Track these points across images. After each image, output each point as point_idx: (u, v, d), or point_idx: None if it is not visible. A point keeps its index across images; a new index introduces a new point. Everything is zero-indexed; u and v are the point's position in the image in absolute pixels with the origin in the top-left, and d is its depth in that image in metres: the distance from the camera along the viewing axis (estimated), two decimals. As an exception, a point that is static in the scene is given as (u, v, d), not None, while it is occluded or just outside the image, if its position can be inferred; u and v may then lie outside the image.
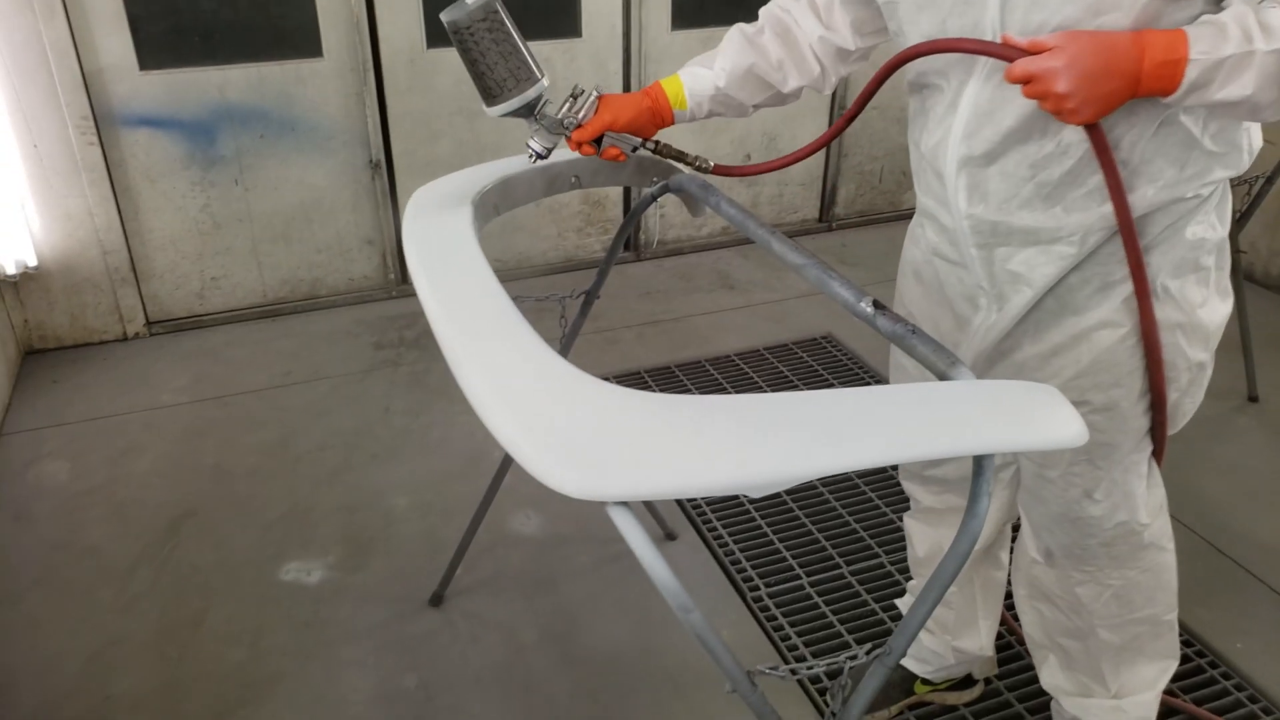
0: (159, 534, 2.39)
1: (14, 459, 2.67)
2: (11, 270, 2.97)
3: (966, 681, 1.94)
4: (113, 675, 2.00)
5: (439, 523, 2.41)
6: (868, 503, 2.49)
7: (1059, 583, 1.58)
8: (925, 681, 1.92)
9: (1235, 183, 2.50)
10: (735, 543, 2.35)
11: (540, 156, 1.53)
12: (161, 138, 3.11)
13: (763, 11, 1.52)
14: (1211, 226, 1.31)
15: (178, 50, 3.03)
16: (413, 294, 1.33)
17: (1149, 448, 1.45)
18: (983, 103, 1.25)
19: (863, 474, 2.56)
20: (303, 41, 3.15)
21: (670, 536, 2.37)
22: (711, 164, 1.55)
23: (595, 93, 1.49)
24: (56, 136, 2.93)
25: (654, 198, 1.85)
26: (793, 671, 1.15)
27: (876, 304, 1.28)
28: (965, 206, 1.33)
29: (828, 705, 1.28)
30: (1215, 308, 1.36)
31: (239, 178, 3.24)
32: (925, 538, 1.79)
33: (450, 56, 3.32)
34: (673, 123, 1.53)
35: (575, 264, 3.77)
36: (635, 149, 1.52)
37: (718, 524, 2.41)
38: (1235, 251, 2.50)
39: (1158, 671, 1.64)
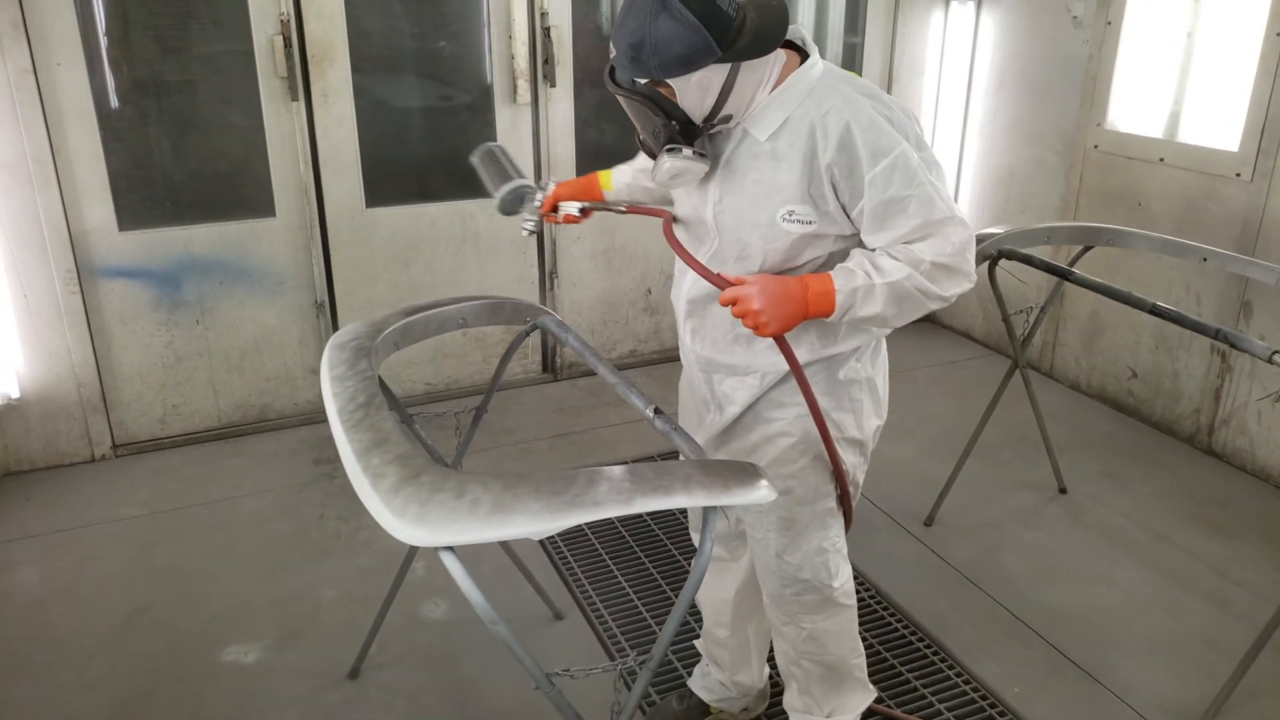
0: (115, 626, 2.77)
1: (-9, 566, 3.06)
2: (-4, 401, 3.42)
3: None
4: (73, 742, 2.37)
5: (360, 611, 2.80)
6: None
7: (778, 622, 2.06)
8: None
9: (1015, 311, 3.08)
10: (611, 616, 2.78)
11: (533, 232, 2.19)
12: (134, 286, 3.61)
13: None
14: (859, 371, 1.88)
15: (151, 214, 3.57)
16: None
17: (835, 525, 1.97)
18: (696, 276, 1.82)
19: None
20: (258, 204, 3.70)
21: (558, 616, 2.79)
22: (623, 206, 2.12)
23: (553, 182, 2.19)
24: (44, 288, 3.42)
25: (525, 334, 2.39)
26: (586, 674, 1.60)
27: (656, 410, 1.79)
28: (692, 345, 1.92)
29: (614, 707, 1.71)
30: (866, 427, 1.92)
31: (200, 318, 3.73)
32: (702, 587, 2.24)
33: (386, 214, 3.90)
34: (602, 197, 2.18)
35: (500, 385, 4.25)
36: (581, 209, 2.15)
37: (598, 601, 2.84)
38: (1021, 368, 3.06)
39: (859, 699, 2.16)
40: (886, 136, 1.63)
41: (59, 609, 2.85)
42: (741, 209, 1.75)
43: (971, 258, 1.69)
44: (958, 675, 2.54)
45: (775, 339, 1.69)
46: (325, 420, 1.69)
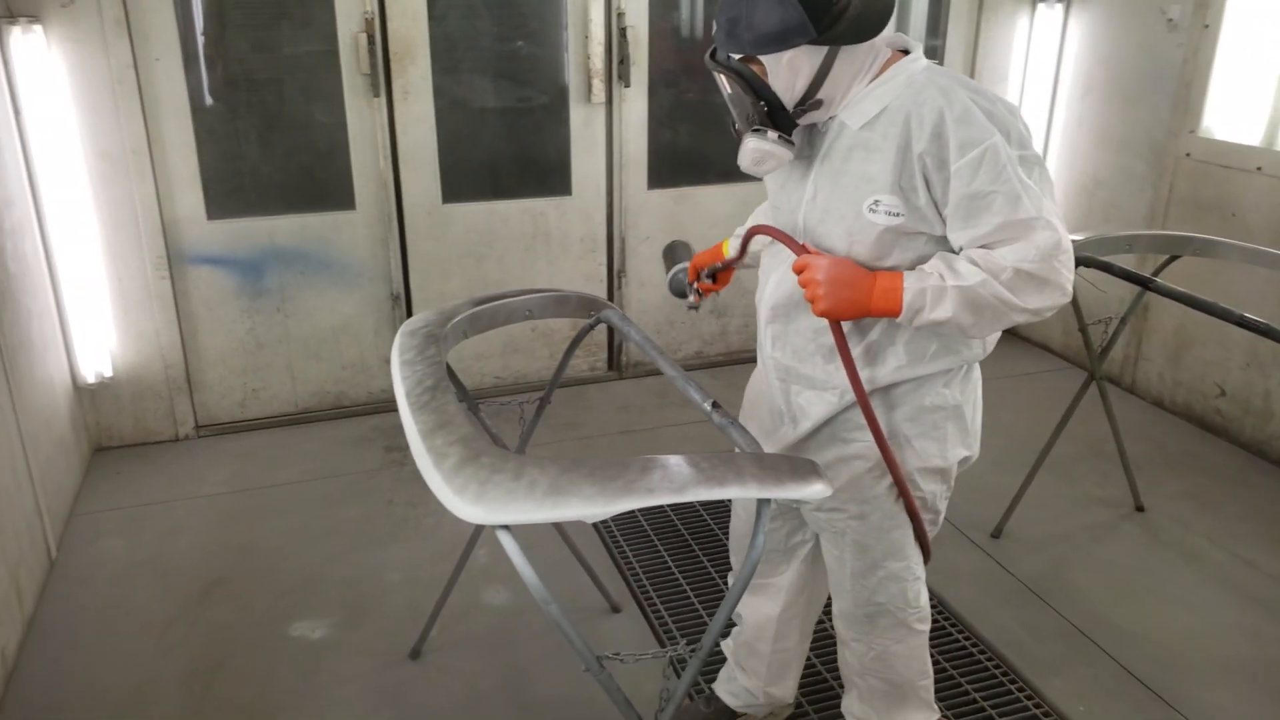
0: (193, 597, 2.88)
1: (81, 536, 3.19)
2: (91, 379, 3.57)
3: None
4: (150, 705, 2.46)
5: (423, 594, 2.86)
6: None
7: (846, 636, 2.04)
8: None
9: (1093, 321, 3.00)
10: (666, 610, 2.79)
11: (692, 306, 2.17)
12: (220, 273, 3.75)
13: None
14: (947, 398, 1.79)
15: (238, 204, 3.71)
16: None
17: (914, 553, 1.91)
18: (783, 275, 1.80)
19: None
20: (340, 197, 3.81)
21: (615, 609, 2.81)
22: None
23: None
24: (136, 272, 3.58)
25: (590, 327, 2.42)
26: (636, 659, 1.62)
27: (715, 404, 1.80)
28: (772, 351, 1.86)
29: (663, 694, 1.72)
30: (950, 456, 1.84)
31: (280, 306, 3.86)
32: (745, 602, 2.22)
33: (461, 210, 3.98)
34: (723, 259, 2.09)
35: (565, 381, 4.31)
36: (711, 274, 2.12)
37: (654, 595, 2.86)
38: (1098, 380, 2.99)
39: (921, 718, 2.09)
40: (978, 128, 1.55)
41: (142, 578, 2.97)
42: (830, 202, 1.70)
43: (1064, 268, 1.58)
44: (1020, 690, 2.49)
45: (830, 324, 1.69)
46: (397, 409, 1.73)
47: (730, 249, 2.07)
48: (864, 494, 1.84)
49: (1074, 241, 2.83)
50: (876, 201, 1.63)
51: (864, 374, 1.74)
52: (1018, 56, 4.60)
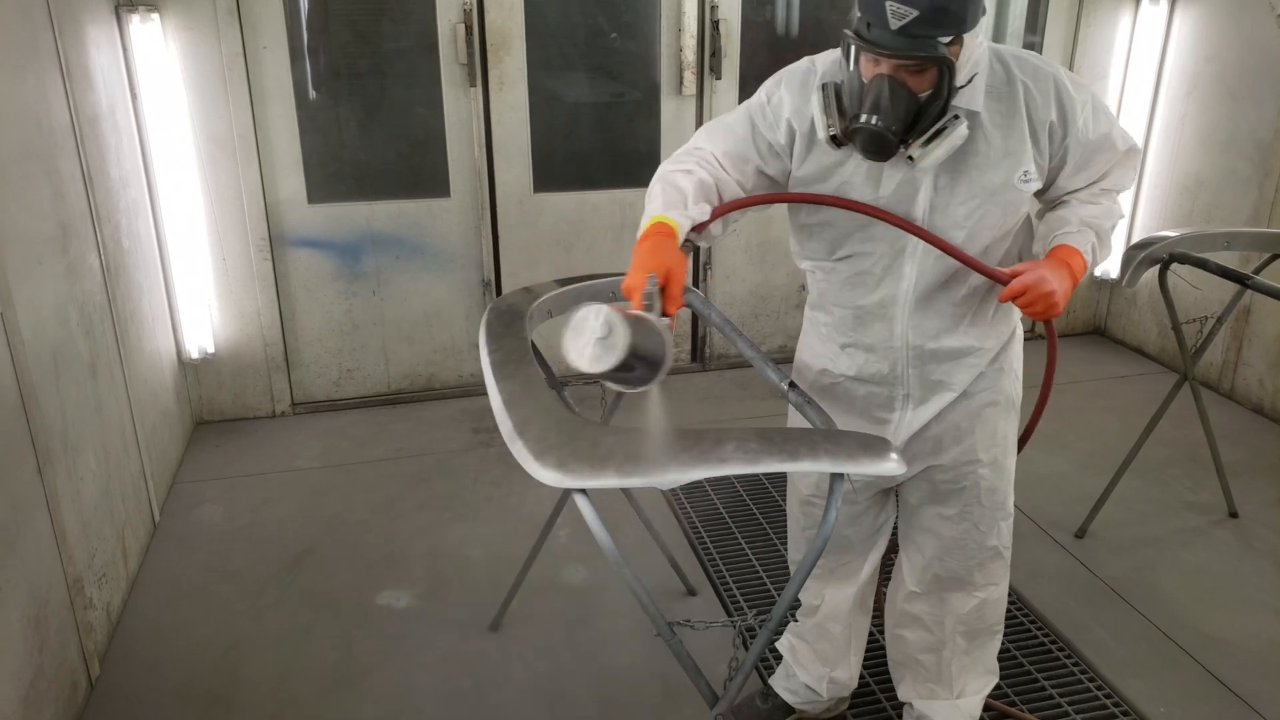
0: (285, 564, 3.01)
1: (182, 502, 3.36)
2: (195, 355, 3.75)
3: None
4: (242, 663, 2.59)
5: (505, 569, 2.92)
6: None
7: (931, 606, 2.05)
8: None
9: (1187, 320, 2.92)
10: (741, 593, 2.81)
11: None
12: (319, 256, 3.89)
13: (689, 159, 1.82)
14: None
15: (337, 189, 3.85)
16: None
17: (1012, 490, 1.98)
18: (926, 269, 1.79)
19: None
20: (435, 185, 3.92)
21: (691, 592, 2.84)
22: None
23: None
24: (240, 253, 3.74)
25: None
26: (706, 625, 1.66)
27: (791, 384, 1.82)
28: (912, 339, 1.85)
29: (731, 664, 1.73)
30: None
31: (376, 289, 3.99)
32: (809, 588, 2.22)
33: (552, 200, 4.05)
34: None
35: (650, 374, 4.35)
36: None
37: (729, 579, 2.88)
38: (1191, 380, 2.91)
39: (984, 682, 2.15)
40: (1075, 85, 1.73)
41: (238, 544, 3.11)
42: (967, 186, 1.70)
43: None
44: (1099, 689, 2.45)
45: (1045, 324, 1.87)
46: (485, 393, 1.77)
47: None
48: (996, 437, 1.94)
49: (1169, 239, 2.78)
50: (1026, 172, 1.72)
51: (1002, 328, 1.90)
52: (1119, 55, 4.48)
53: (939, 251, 1.74)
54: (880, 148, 1.60)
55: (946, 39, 1.52)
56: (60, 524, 2.34)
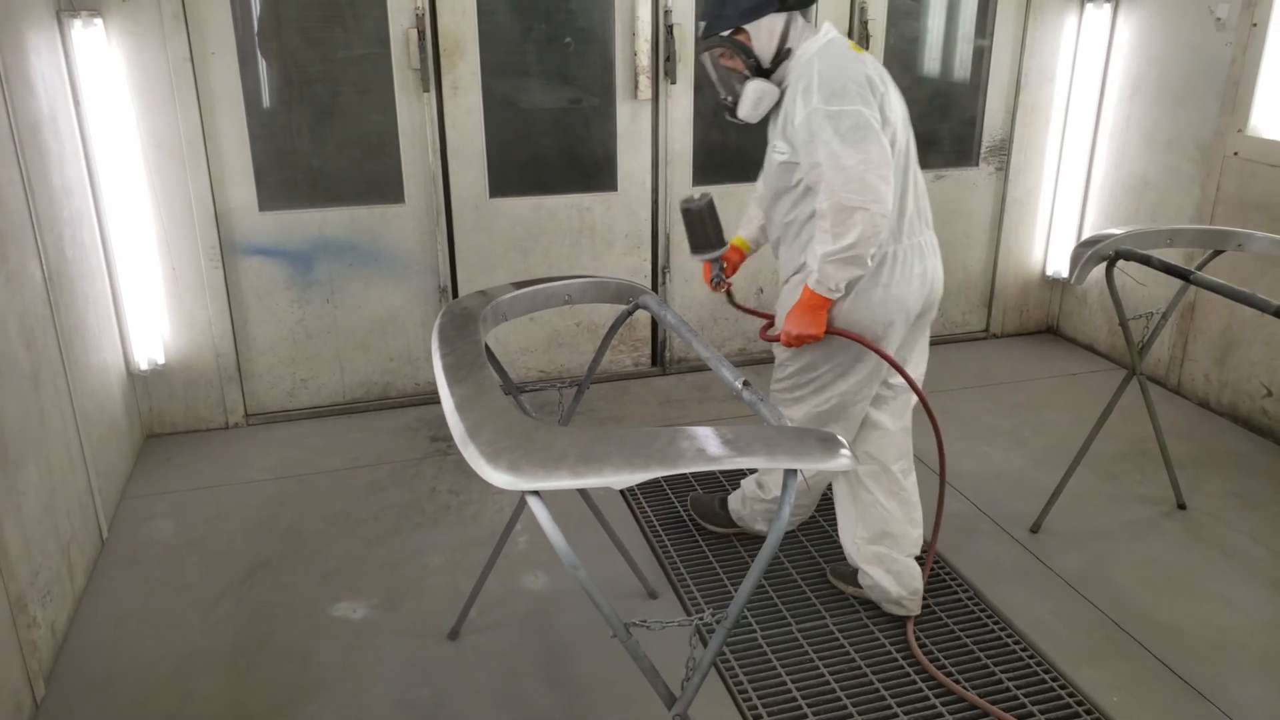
0: (239, 577, 2.96)
1: (132, 517, 3.29)
2: (144, 366, 3.68)
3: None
4: (195, 678, 2.54)
5: (463, 578, 2.91)
6: (817, 568, 2.92)
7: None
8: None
9: (1133, 316, 2.97)
10: (702, 596, 2.81)
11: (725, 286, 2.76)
12: (270, 264, 3.84)
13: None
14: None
15: (289, 196, 3.80)
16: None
17: None
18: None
19: (816, 545, 3.00)
20: (389, 191, 3.89)
21: (652, 595, 2.84)
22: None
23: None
24: (190, 262, 3.68)
25: (629, 313, 2.45)
26: (662, 625, 1.65)
27: (745, 383, 1.82)
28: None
29: (689, 664, 1.73)
30: None
31: (330, 297, 3.94)
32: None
33: (508, 204, 4.04)
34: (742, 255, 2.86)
35: (609, 376, 4.35)
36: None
37: (691, 583, 2.88)
38: (1139, 376, 2.96)
39: None
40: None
41: (190, 559, 3.06)
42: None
43: None
44: (1054, 680, 2.48)
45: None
46: (441, 401, 1.77)
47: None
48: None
49: (1114, 236, 2.83)
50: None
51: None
52: (1065, 57, 4.56)
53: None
54: None
55: (728, 31, 2.45)
56: (1, 540, 2.29)
